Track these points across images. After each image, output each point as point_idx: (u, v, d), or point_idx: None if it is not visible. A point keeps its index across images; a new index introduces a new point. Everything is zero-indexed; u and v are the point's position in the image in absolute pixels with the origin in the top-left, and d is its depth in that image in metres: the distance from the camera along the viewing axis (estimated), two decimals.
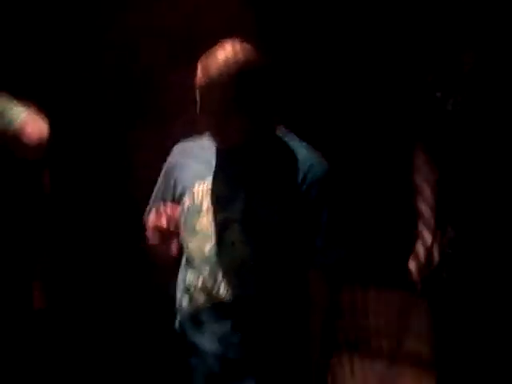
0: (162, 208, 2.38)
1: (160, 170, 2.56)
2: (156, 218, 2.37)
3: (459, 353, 2.70)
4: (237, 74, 2.29)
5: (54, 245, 3.28)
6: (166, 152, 2.55)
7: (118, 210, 3.72)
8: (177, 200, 2.46)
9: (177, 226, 2.39)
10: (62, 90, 3.61)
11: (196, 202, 2.41)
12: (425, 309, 2.88)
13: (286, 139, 2.43)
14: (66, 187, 3.62)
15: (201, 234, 2.38)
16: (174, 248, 2.42)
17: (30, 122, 2.61)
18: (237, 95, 2.29)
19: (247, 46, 2.36)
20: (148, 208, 2.54)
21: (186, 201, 2.43)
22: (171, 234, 2.38)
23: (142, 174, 3.46)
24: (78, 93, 3.68)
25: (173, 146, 2.56)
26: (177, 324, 2.46)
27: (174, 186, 2.48)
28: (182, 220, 2.43)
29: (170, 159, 2.53)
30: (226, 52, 2.32)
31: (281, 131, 2.45)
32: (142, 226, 2.48)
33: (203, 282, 2.36)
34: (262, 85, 2.33)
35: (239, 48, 2.33)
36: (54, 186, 3.30)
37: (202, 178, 2.41)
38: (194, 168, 2.44)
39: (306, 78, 3.51)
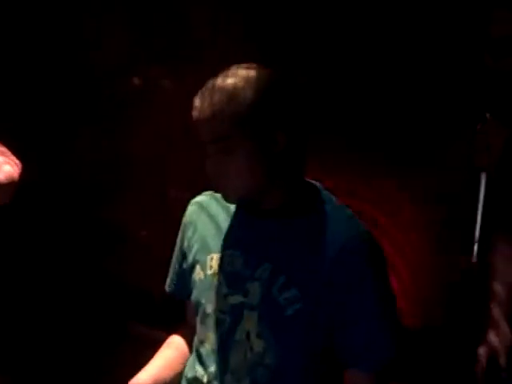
0: None
1: None
2: None
3: None
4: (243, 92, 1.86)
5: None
6: None
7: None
8: (189, 268, 2.08)
9: None
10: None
11: (208, 276, 2.01)
12: None
13: (321, 201, 1.97)
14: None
15: (210, 319, 1.99)
16: None
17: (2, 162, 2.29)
18: (241, 115, 1.86)
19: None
20: (169, 278, 2.19)
21: (198, 272, 2.04)
22: None
23: None
24: None
25: None
26: None
27: (187, 252, 2.10)
28: (194, 296, 2.05)
29: (185, 218, 2.13)
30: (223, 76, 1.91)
31: (315, 190, 2.00)
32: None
33: (208, 379, 1.97)
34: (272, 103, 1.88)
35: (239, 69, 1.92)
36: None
37: (217, 247, 2.01)
38: (209, 232, 2.04)
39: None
